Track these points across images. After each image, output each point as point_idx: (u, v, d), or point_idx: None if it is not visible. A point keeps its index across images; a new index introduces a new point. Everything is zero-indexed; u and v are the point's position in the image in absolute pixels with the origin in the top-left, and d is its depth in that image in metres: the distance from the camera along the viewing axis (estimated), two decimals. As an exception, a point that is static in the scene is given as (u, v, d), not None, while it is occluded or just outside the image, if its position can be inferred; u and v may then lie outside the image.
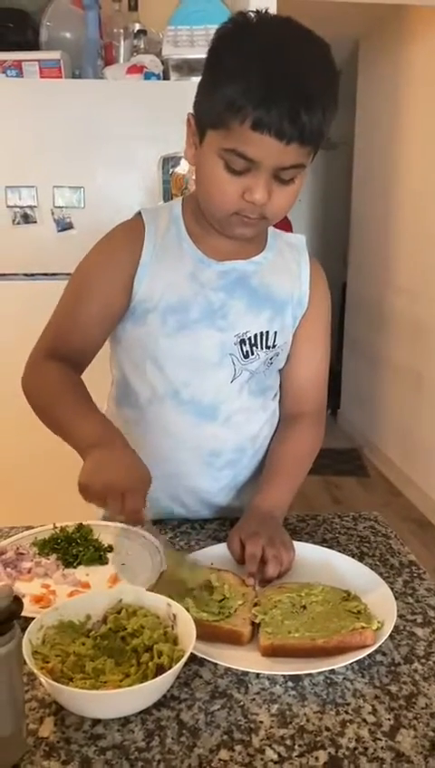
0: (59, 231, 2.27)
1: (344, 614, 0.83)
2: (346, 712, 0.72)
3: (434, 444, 3.42)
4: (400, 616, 0.86)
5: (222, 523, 1.14)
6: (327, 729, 0.70)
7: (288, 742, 0.68)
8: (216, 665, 0.78)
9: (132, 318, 1.08)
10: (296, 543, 0.99)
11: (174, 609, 0.78)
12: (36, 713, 0.71)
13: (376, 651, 0.80)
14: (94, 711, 0.70)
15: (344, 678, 0.77)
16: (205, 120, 0.94)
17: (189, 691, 0.75)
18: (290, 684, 0.76)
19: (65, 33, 2.31)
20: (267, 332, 1.09)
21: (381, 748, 0.67)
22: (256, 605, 0.86)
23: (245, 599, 0.87)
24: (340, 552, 1.01)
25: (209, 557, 0.97)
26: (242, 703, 0.73)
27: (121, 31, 2.37)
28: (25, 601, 0.80)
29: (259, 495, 1.07)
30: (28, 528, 1.08)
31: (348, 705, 0.73)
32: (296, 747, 0.67)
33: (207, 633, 0.79)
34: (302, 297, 1.13)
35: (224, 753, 0.66)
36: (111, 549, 1.02)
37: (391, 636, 0.82)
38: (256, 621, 0.83)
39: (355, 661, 0.78)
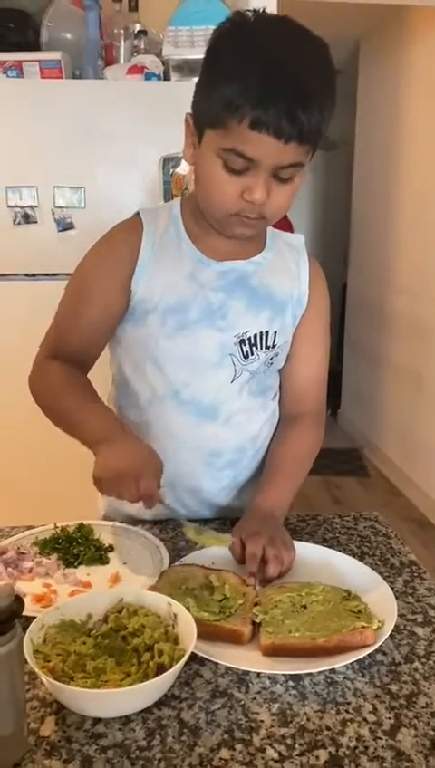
0: (59, 231, 2.27)
1: (345, 614, 0.83)
2: (347, 711, 0.72)
3: (434, 444, 3.42)
4: (400, 615, 0.87)
5: (222, 522, 1.14)
6: (328, 728, 0.70)
7: (289, 741, 0.68)
8: (216, 664, 0.78)
9: (132, 319, 1.08)
10: (297, 543, 0.99)
11: (175, 609, 0.78)
12: (37, 712, 0.71)
13: (377, 651, 0.80)
14: (95, 710, 0.70)
15: (345, 678, 0.77)
16: (203, 119, 0.94)
17: (190, 690, 0.75)
18: (291, 683, 0.76)
19: (66, 34, 2.31)
20: (267, 332, 1.10)
21: (382, 747, 0.67)
22: (256, 604, 0.86)
23: (245, 598, 0.87)
24: (340, 551, 1.01)
25: (210, 557, 0.98)
26: (243, 702, 0.73)
27: (122, 31, 2.36)
28: (26, 601, 0.81)
29: (260, 495, 1.07)
30: (29, 528, 1.08)
31: (349, 704, 0.73)
32: (297, 746, 0.67)
33: (207, 632, 0.80)
34: (301, 297, 1.13)
35: (225, 752, 0.66)
36: (111, 548, 1.02)
37: (391, 635, 0.82)
38: (257, 621, 0.83)
39: (356, 660, 0.78)
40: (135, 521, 1.12)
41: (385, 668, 0.79)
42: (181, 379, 1.09)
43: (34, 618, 0.76)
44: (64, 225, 2.26)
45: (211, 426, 1.11)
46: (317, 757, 0.66)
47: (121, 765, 0.65)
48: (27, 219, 2.25)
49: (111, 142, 2.24)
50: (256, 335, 1.09)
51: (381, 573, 0.96)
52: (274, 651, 0.79)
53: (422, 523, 3.37)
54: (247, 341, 1.08)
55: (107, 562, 0.99)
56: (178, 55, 2.25)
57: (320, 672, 0.77)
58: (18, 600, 0.64)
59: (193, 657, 0.75)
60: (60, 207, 2.25)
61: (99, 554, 1.00)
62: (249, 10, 0.92)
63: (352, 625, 0.80)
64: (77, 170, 2.25)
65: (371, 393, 4.25)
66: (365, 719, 0.71)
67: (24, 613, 0.66)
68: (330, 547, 1.03)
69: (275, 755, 0.66)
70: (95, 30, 2.25)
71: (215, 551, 1.00)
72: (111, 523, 1.10)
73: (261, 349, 1.10)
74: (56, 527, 1.06)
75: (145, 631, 0.75)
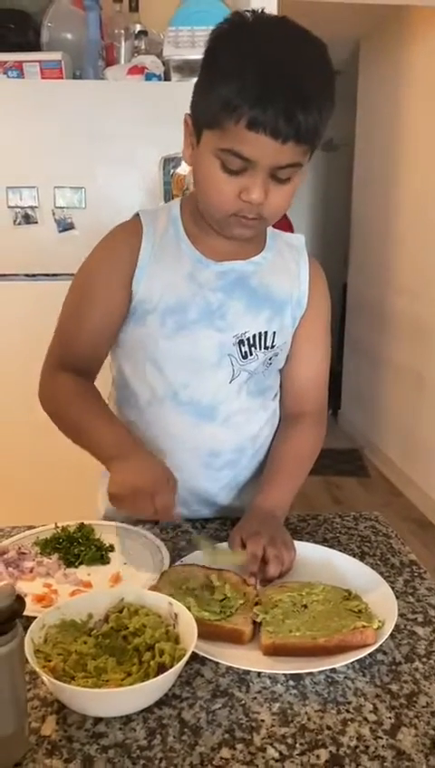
0: (60, 231, 2.27)
1: (345, 613, 0.83)
2: (347, 710, 0.72)
3: (434, 444, 3.43)
4: (400, 615, 0.87)
5: (223, 522, 1.14)
6: (328, 728, 0.70)
7: (289, 740, 0.68)
8: (217, 664, 0.78)
9: (133, 319, 1.08)
10: (297, 543, 0.99)
11: (175, 609, 0.79)
12: (38, 711, 0.71)
13: (377, 650, 0.80)
14: (96, 709, 0.70)
15: (345, 677, 0.77)
16: (201, 119, 0.94)
17: (191, 690, 0.75)
18: (291, 683, 0.76)
19: (66, 34, 2.31)
20: (266, 333, 1.10)
21: (382, 746, 0.67)
22: (257, 604, 0.86)
23: (246, 598, 0.88)
24: (341, 551, 1.02)
25: (210, 556, 0.98)
26: (243, 701, 0.73)
27: (122, 32, 2.37)
28: (27, 601, 0.81)
29: (260, 495, 1.07)
30: (30, 528, 1.08)
31: (349, 703, 0.73)
32: (298, 746, 0.67)
33: (208, 632, 0.80)
34: (301, 297, 1.13)
35: (225, 752, 0.66)
36: (112, 548, 1.02)
37: (391, 635, 0.82)
38: (258, 620, 0.83)
39: (356, 660, 0.78)
40: (135, 521, 1.12)
41: (386, 668, 0.79)
42: (180, 380, 1.09)
43: (35, 617, 0.76)
44: (65, 226, 2.26)
45: (210, 426, 1.11)
46: (318, 756, 0.66)
47: (122, 765, 0.65)
48: (28, 219, 2.25)
49: (111, 142, 2.24)
50: (254, 335, 1.09)
51: (381, 573, 0.96)
52: (274, 651, 0.79)
53: (422, 523, 3.37)
54: (246, 342, 1.09)
55: (108, 562, 0.99)
56: (179, 56, 2.25)
57: (320, 672, 0.77)
58: (19, 600, 0.64)
59: (194, 656, 0.75)
60: (60, 208, 2.26)
61: (100, 554, 1.00)
62: (248, 10, 0.92)
63: (353, 625, 0.80)
64: (77, 171, 2.25)
65: (371, 393, 4.25)
66: (366, 719, 0.71)
67: (25, 613, 0.66)
68: (330, 547, 1.03)
69: (276, 755, 0.66)
70: (96, 30, 2.25)
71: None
72: (111, 522, 1.10)
73: (260, 349, 1.10)
74: (57, 527, 1.07)
75: (146, 631, 0.76)
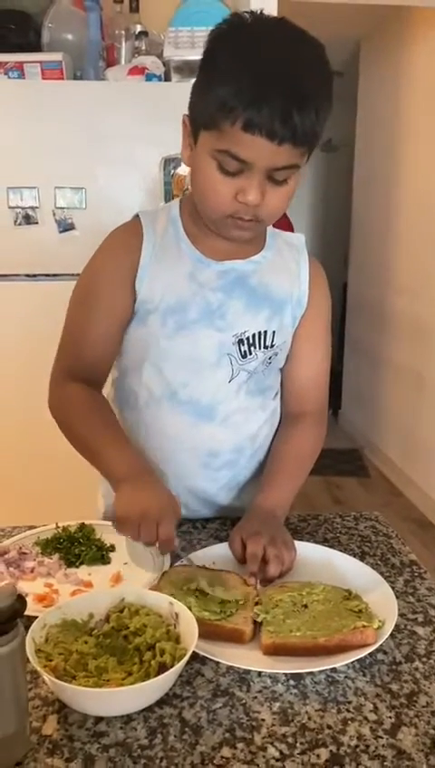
0: (60, 232, 2.27)
1: (346, 613, 0.83)
2: (347, 710, 0.72)
3: (434, 444, 3.43)
4: (401, 615, 0.87)
5: (223, 522, 1.14)
6: (329, 727, 0.70)
7: (290, 740, 0.68)
8: (218, 663, 0.78)
9: (135, 320, 1.08)
10: (298, 543, 0.99)
11: (176, 608, 0.79)
12: (39, 711, 0.71)
13: (377, 650, 0.80)
14: (97, 709, 0.70)
15: (346, 677, 0.77)
16: (198, 120, 0.94)
17: (192, 689, 0.75)
18: (292, 682, 0.76)
19: (67, 35, 2.32)
20: (265, 332, 1.10)
21: (383, 746, 0.68)
22: (257, 604, 0.86)
23: (246, 598, 0.88)
24: (341, 551, 1.02)
25: (211, 556, 0.98)
26: (244, 701, 0.73)
27: (123, 32, 2.37)
28: (28, 600, 0.81)
29: (261, 495, 1.07)
30: (31, 528, 1.08)
31: (349, 703, 0.73)
32: (298, 745, 0.67)
33: (209, 632, 0.80)
34: (301, 296, 1.13)
35: (226, 751, 0.66)
36: (113, 548, 1.02)
37: (392, 635, 0.82)
38: (258, 620, 0.83)
39: (356, 660, 0.78)
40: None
41: (386, 668, 0.79)
42: (179, 380, 1.09)
43: (36, 617, 0.76)
44: (65, 226, 2.27)
45: (208, 426, 1.11)
46: (318, 756, 0.66)
47: (123, 764, 0.65)
48: (28, 220, 2.25)
49: (111, 143, 2.24)
50: (254, 335, 1.09)
51: (381, 573, 0.96)
52: (275, 650, 0.79)
53: (423, 523, 3.38)
54: (246, 341, 1.09)
55: (108, 562, 1.00)
56: (179, 56, 2.25)
57: (321, 671, 0.77)
58: (20, 600, 0.64)
59: (194, 656, 0.75)
60: (61, 208, 2.26)
61: (100, 554, 1.00)
62: (247, 11, 0.92)
63: (353, 624, 0.80)
64: (78, 171, 2.25)
65: (371, 393, 4.25)
66: (366, 718, 0.71)
67: (26, 613, 0.66)
68: (331, 547, 1.03)
69: (277, 754, 0.66)
70: (96, 31, 2.25)
71: (215, 550, 1.00)
72: (112, 522, 1.10)
73: (259, 348, 1.10)
74: (58, 527, 1.07)
75: (147, 631, 0.76)
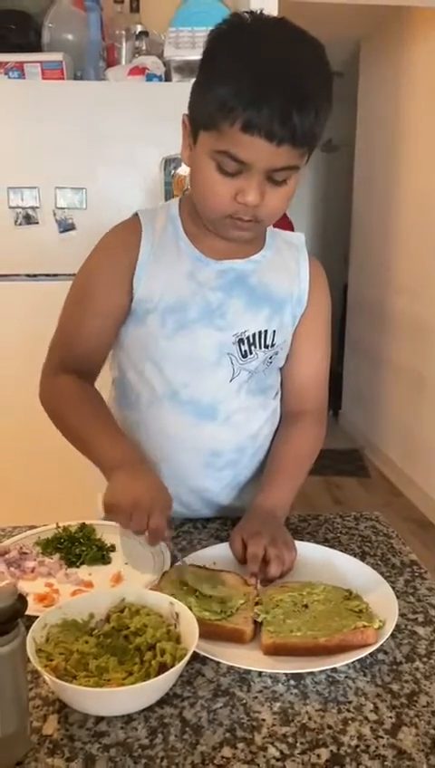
0: (61, 232, 2.27)
1: (346, 613, 0.83)
2: (348, 710, 0.72)
3: (434, 444, 3.43)
4: (401, 615, 0.87)
5: (224, 522, 1.14)
6: (329, 727, 0.70)
7: (290, 739, 0.68)
8: (218, 663, 0.78)
9: (133, 319, 1.08)
10: (298, 543, 0.99)
11: (177, 608, 0.79)
12: (40, 710, 0.71)
13: (378, 650, 0.80)
14: (98, 709, 0.70)
15: (346, 677, 0.77)
16: (198, 121, 0.94)
17: (192, 689, 0.75)
18: (292, 682, 0.76)
19: (67, 35, 2.32)
20: (266, 331, 1.10)
21: (383, 746, 0.68)
22: (257, 604, 0.86)
23: (247, 598, 0.88)
24: (341, 551, 1.02)
25: (211, 556, 0.98)
26: (244, 701, 0.73)
27: (123, 32, 2.37)
28: (29, 600, 0.81)
29: (261, 495, 1.07)
30: (31, 528, 1.08)
31: (350, 703, 0.74)
32: (298, 745, 0.67)
33: (209, 632, 0.80)
34: (301, 295, 1.13)
35: (227, 751, 0.66)
36: (113, 548, 1.02)
37: (392, 635, 0.82)
38: (259, 620, 0.83)
39: (357, 660, 0.78)
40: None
41: (386, 668, 0.79)
42: (180, 379, 1.09)
43: (37, 617, 0.76)
44: (66, 226, 2.27)
45: (210, 426, 1.11)
46: (319, 756, 0.66)
47: (124, 764, 0.65)
48: (29, 220, 2.26)
49: (112, 143, 2.24)
50: (254, 334, 1.09)
51: (382, 573, 0.96)
52: (275, 650, 0.79)
53: (423, 524, 3.38)
54: (246, 341, 1.09)
55: (109, 562, 1.00)
56: (180, 56, 2.25)
57: (321, 671, 0.77)
58: (21, 600, 0.64)
59: (195, 656, 0.75)
60: (61, 208, 2.26)
61: (101, 554, 1.00)
62: (247, 12, 0.92)
63: (354, 624, 0.80)
64: (78, 171, 2.25)
65: (371, 393, 4.25)
66: (366, 718, 0.71)
67: (27, 613, 0.66)
68: (331, 547, 1.03)
69: (277, 754, 0.66)
70: (97, 31, 2.25)
71: (216, 550, 1.00)
72: (112, 523, 1.10)
73: (260, 348, 1.10)
74: (58, 527, 1.07)
75: (147, 630, 0.76)
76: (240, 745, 0.67)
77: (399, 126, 3.81)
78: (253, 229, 1.00)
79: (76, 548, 1.01)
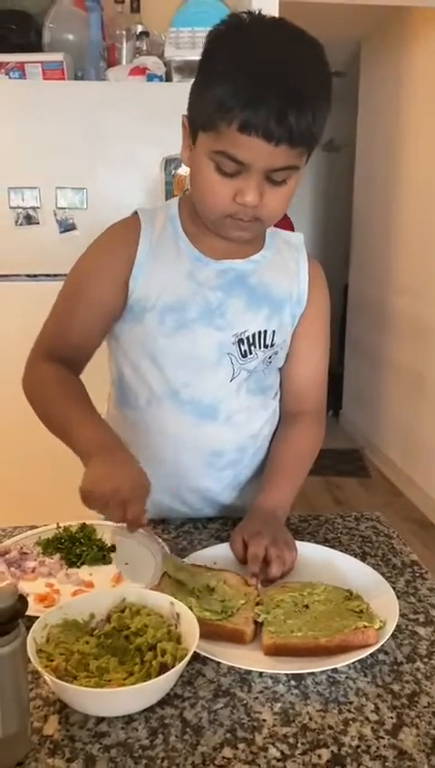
0: (61, 232, 2.27)
1: (347, 613, 0.83)
2: (349, 710, 0.72)
3: (436, 444, 3.43)
4: (402, 615, 0.87)
5: (224, 522, 1.14)
6: (330, 727, 0.70)
7: (291, 740, 0.68)
8: (219, 663, 0.78)
9: (130, 317, 1.08)
10: (298, 543, 0.99)
11: (177, 608, 0.79)
12: (41, 711, 0.71)
13: (378, 650, 0.80)
14: (98, 709, 0.70)
15: (347, 677, 0.77)
16: (197, 121, 0.94)
17: (193, 689, 0.75)
18: (293, 682, 0.76)
19: (68, 35, 2.32)
20: (265, 331, 1.10)
21: (384, 746, 0.68)
22: (258, 604, 0.86)
23: (247, 598, 0.88)
24: (342, 551, 1.02)
25: (212, 557, 0.98)
26: (245, 701, 0.73)
27: (124, 32, 2.37)
28: (30, 600, 0.81)
29: (262, 495, 1.07)
30: (32, 528, 1.08)
31: (350, 703, 0.73)
32: (299, 745, 0.67)
33: (210, 632, 0.80)
34: (301, 295, 1.13)
35: (227, 751, 0.66)
36: (114, 548, 1.02)
37: (393, 635, 0.82)
38: (259, 620, 0.83)
39: (358, 660, 0.78)
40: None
41: (387, 668, 0.79)
42: (180, 379, 1.09)
43: (37, 617, 0.76)
44: (66, 226, 2.27)
45: (211, 425, 1.11)
46: (319, 756, 0.66)
47: (124, 764, 0.65)
48: (29, 220, 2.26)
49: (112, 143, 2.24)
50: (254, 334, 1.09)
51: (382, 573, 0.96)
52: (276, 651, 0.79)
53: (423, 524, 3.38)
54: (246, 341, 1.09)
55: (109, 562, 1.00)
56: (180, 56, 2.25)
57: (322, 672, 0.77)
58: (21, 600, 0.64)
59: (195, 656, 0.75)
60: (62, 208, 2.26)
61: (101, 554, 1.00)
62: (245, 12, 0.92)
63: (354, 625, 0.80)
64: (79, 171, 2.25)
65: (372, 394, 4.25)
66: (367, 718, 0.71)
67: (28, 613, 0.66)
68: (332, 547, 1.03)
69: (278, 754, 0.66)
70: (97, 31, 2.25)
71: (217, 551, 1.00)
72: (113, 523, 1.10)
73: (259, 348, 1.10)
74: (59, 527, 1.07)
75: (148, 631, 0.76)
76: (241, 746, 0.67)
77: (399, 126, 3.81)
78: (253, 229, 1.00)
79: (77, 548, 1.00)
